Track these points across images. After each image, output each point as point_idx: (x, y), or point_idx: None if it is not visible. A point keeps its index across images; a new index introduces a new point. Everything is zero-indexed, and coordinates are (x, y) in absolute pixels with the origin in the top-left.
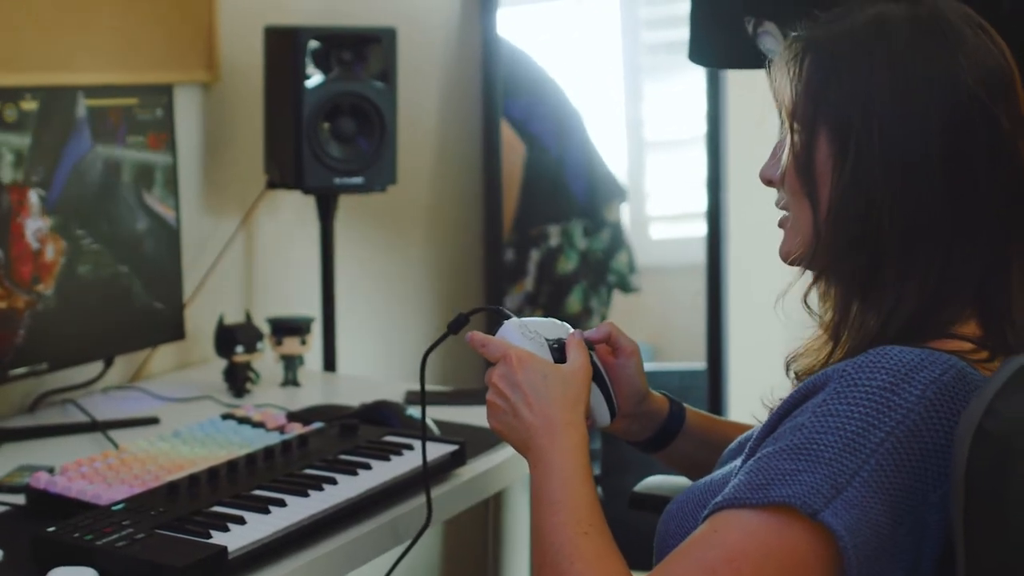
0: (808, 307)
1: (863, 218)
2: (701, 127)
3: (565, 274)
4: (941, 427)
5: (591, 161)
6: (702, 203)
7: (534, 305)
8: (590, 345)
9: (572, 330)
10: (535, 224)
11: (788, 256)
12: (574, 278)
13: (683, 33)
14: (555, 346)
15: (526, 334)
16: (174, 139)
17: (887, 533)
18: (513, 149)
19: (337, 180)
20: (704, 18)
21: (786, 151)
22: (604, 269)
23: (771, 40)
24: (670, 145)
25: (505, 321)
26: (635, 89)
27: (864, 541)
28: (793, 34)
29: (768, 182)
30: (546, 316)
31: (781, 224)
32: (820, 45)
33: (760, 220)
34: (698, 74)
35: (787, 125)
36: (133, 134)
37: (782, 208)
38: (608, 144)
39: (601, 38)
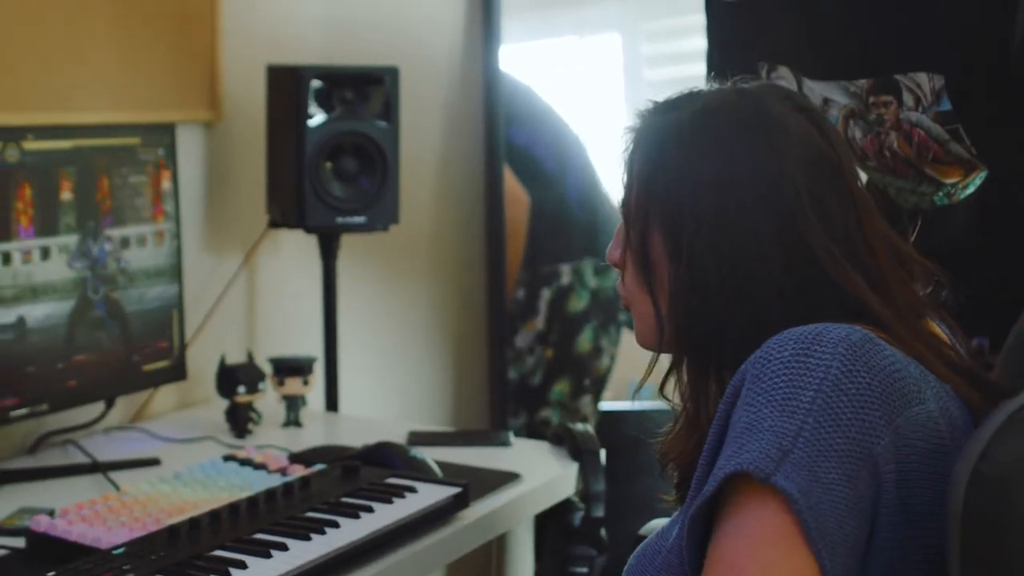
0: (664, 396)
1: (702, 309)
2: None
3: (576, 313)
4: (863, 379)
5: (599, 199)
6: None
7: (545, 344)
8: None
9: None
10: (546, 263)
11: (643, 344)
12: (585, 317)
13: (685, 70)
14: None
15: None
16: (176, 178)
17: (843, 492)
18: (517, 190)
19: (339, 219)
20: (719, 64)
21: (632, 242)
22: (614, 308)
23: (784, 84)
24: None
25: None
26: None
27: (817, 502)
28: (626, 125)
29: (615, 264)
30: (556, 355)
31: (626, 306)
32: (649, 137)
33: None
34: None
35: (622, 217)
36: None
37: (624, 292)
38: (611, 181)
39: (603, 75)
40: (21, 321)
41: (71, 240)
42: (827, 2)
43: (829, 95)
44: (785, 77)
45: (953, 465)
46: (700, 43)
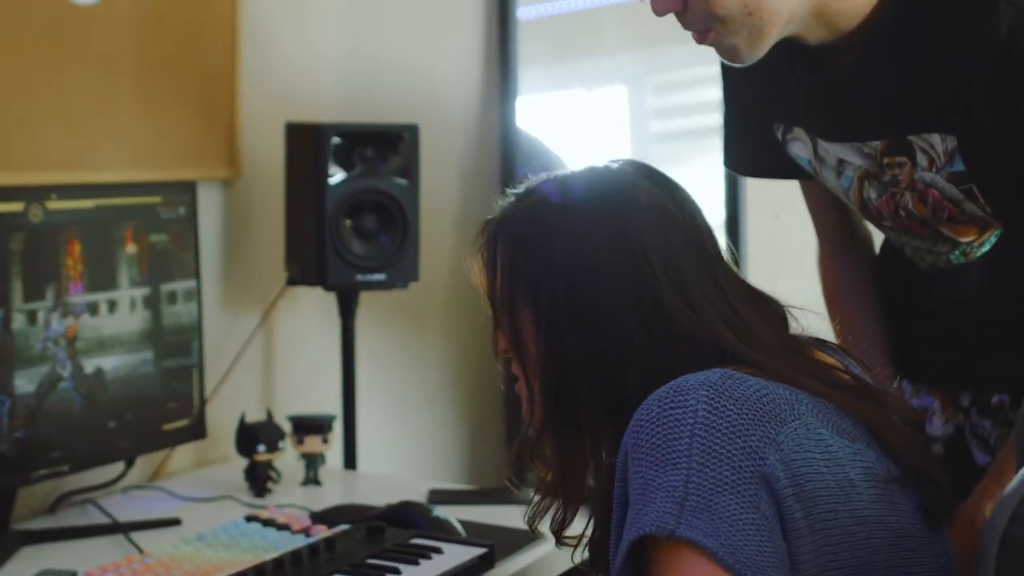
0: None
1: (565, 379)
2: (712, 215)
3: None
4: (731, 411)
5: None
6: None
7: None
8: None
9: None
10: None
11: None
12: None
13: (690, 122)
14: None
15: None
16: (197, 237)
17: (748, 518)
18: None
19: (359, 277)
20: (736, 127)
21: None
22: None
23: (800, 146)
24: None
25: None
26: None
27: (728, 538)
28: (487, 218)
29: (503, 354)
30: None
31: (517, 389)
32: (507, 223)
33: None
34: (706, 163)
35: (490, 306)
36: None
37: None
38: None
39: (610, 127)
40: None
41: (105, 297)
42: (840, 65)
43: (844, 156)
44: (800, 138)
45: (849, 473)
46: (704, 95)
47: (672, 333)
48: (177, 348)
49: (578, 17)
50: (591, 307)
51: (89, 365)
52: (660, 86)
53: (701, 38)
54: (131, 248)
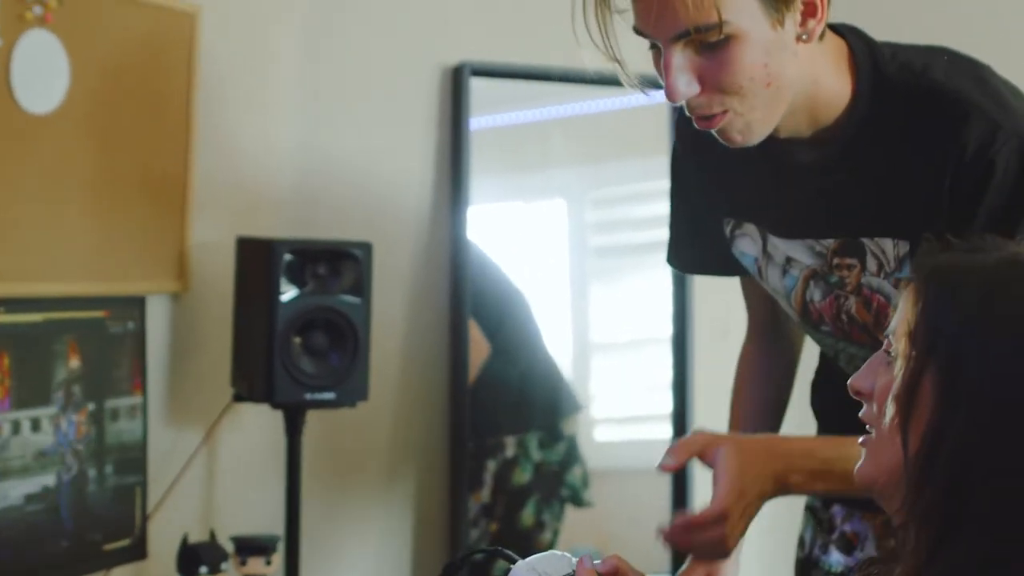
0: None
1: (957, 467)
2: (649, 329)
3: (520, 486)
4: None
5: (552, 373)
6: (649, 406)
7: (490, 517)
8: None
9: (574, 559)
10: (493, 434)
11: (868, 482)
12: (528, 491)
13: (628, 237)
14: None
15: None
16: (144, 352)
17: None
18: (478, 348)
19: (308, 395)
20: (682, 224)
21: (897, 377)
22: (558, 482)
23: (748, 242)
24: (616, 347)
25: (512, 566)
26: (581, 291)
27: None
28: (921, 257)
29: (857, 393)
30: (500, 529)
31: (863, 443)
32: (946, 274)
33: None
34: (645, 278)
35: (902, 347)
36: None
37: (868, 425)
38: (554, 347)
39: (549, 241)
40: None
41: (42, 413)
42: (803, 161)
43: (793, 254)
44: (750, 234)
45: None
46: (643, 211)
47: None
48: (120, 465)
49: (527, 129)
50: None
51: (28, 483)
52: (599, 200)
53: (710, 124)
54: (74, 362)
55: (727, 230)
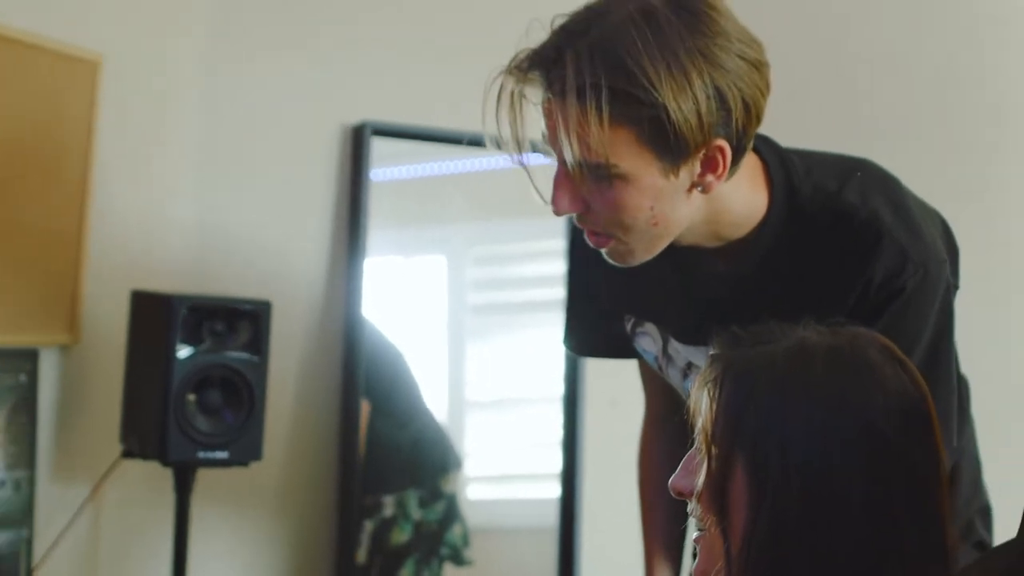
0: None
1: (777, 559)
2: (526, 388)
3: (398, 545)
4: None
5: (433, 432)
6: (528, 464)
7: None
8: None
9: None
10: (369, 493)
11: None
12: (407, 550)
13: (506, 296)
14: None
15: None
16: (36, 406)
17: None
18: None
19: (201, 454)
20: (581, 308)
21: (702, 474)
22: (437, 541)
23: (648, 341)
24: (492, 405)
25: None
26: (458, 349)
27: None
28: (712, 352)
29: (679, 494)
30: None
31: (697, 540)
32: (739, 370)
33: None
34: (523, 336)
35: (703, 447)
36: None
37: (697, 525)
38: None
39: (429, 297)
40: None
41: None
42: (710, 270)
43: (695, 360)
44: (651, 333)
45: None
46: (525, 270)
47: (891, 532)
48: (5, 520)
49: (423, 183)
50: (822, 489)
51: None
52: (480, 258)
53: (599, 242)
54: None
55: (627, 326)
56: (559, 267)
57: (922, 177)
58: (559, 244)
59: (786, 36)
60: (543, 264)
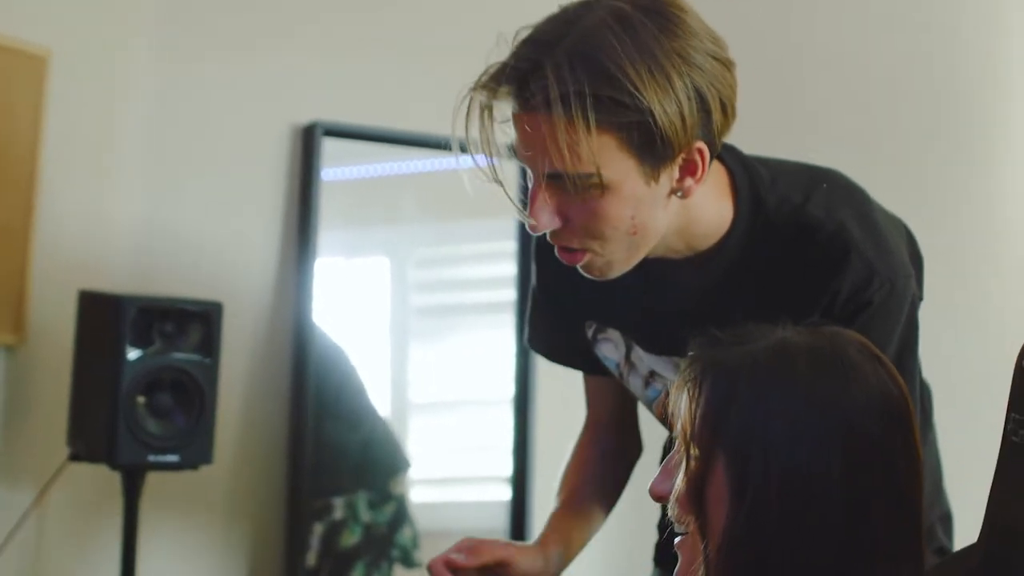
0: None
1: (755, 558)
2: (474, 390)
3: (348, 548)
4: None
5: (382, 434)
6: (477, 467)
7: None
8: None
9: None
10: (319, 496)
11: None
12: (357, 552)
13: (450, 297)
14: None
15: None
16: None
17: None
18: None
19: (151, 457)
20: (544, 311)
21: (680, 474)
22: (388, 543)
23: (611, 347)
24: (436, 407)
25: None
26: (401, 351)
27: None
28: (692, 353)
29: (659, 499)
30: None
31: (678, 545)
32: (720, 369)
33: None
34: (471, 337)
35: (683, 448)
36: None
37: (679, 529)
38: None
39: (373, 299)
40: None
41: None
42: (676, 280)
43: (658, 369)
44: (614, 340)
45: None
46: (468, 272)
47: (870, 532)
48: None
49: (374, 184)
50: (803, 487)
51: None
52: (424, 260)
53: (572, 258)
54: None
55: (588, 332)
56: (508, 269)
57: (885, 185)
58: (508, 246)
59: (749, 38)
60: (492, 266)
